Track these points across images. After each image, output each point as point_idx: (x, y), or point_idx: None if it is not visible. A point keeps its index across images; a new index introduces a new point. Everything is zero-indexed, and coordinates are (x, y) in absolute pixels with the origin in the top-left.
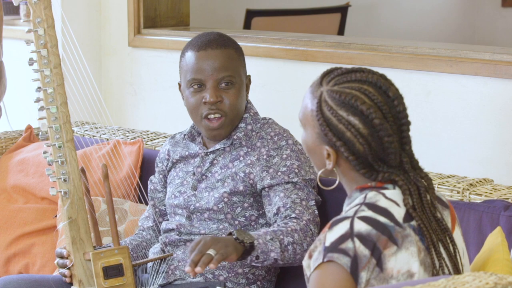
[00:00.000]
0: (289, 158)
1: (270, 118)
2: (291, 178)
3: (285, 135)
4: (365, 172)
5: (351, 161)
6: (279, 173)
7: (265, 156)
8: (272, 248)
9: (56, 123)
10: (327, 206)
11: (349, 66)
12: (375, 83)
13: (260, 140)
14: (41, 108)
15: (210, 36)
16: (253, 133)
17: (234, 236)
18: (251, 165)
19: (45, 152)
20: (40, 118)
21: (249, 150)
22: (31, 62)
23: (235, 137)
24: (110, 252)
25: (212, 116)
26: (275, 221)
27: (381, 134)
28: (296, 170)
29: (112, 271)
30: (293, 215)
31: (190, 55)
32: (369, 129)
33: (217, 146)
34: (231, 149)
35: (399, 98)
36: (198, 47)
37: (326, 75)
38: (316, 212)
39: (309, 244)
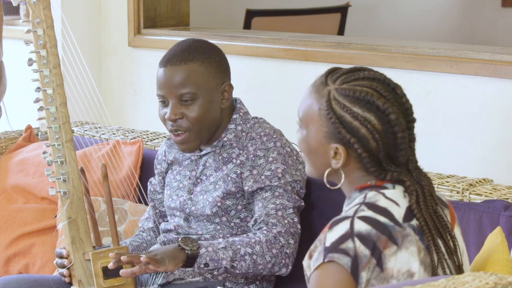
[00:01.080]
0: (274, 161)
1: (261, 118)
2: (272, 183)
3: (274, 136)
4: (375, 170)
5: (364, 158)
6: (262, 177)
7: (251, 156)
8: (224, 256)
9: (55, 123)
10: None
11: (349, 66)
12: (383, 80)
13: (250, 142)
14: (41, 108)
15: (177, 49)
16: (243, 134)
17: (178, 244)
18: (241, 165)
19: (44, 152)
20: (40, 118)
21: (241, 151)
22: (30, 62)
23: (225, 139)
24: (109, 252)
25: (174, 132)
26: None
27: (396, 130)
28: (280, 175)
29: (112, 271)
30: (264, 227)
31: (158, 69)
32: (384, 125)
33: (209, 149)
34: (221, 151)
35: (405, 95)
36: (162, 63)
37: (330, 74)
38: (295, 219)
39: (275, 256)
